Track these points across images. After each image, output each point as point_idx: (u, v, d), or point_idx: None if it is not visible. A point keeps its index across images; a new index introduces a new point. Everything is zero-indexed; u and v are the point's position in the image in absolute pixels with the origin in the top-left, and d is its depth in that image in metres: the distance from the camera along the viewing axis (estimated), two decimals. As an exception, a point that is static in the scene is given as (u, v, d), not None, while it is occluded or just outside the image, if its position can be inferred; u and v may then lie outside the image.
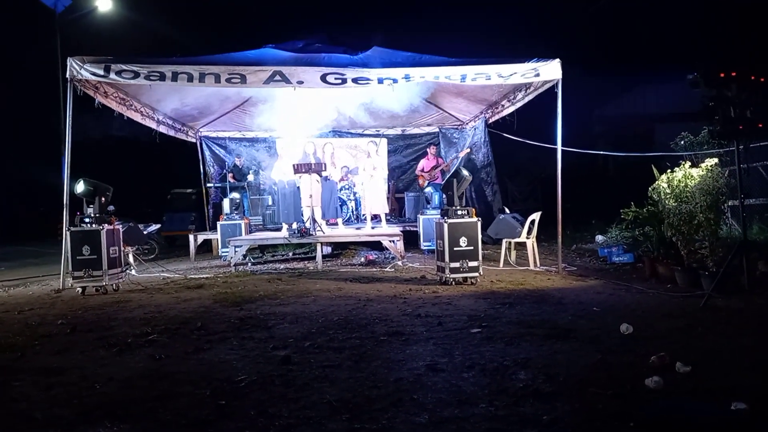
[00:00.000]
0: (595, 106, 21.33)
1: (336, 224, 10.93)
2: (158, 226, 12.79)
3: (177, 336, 4.63)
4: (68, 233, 7.05)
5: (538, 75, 7.68)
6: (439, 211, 8.09)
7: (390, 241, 9.19)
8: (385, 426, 2.71)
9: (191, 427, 2.79)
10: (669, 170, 6.71)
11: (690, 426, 2.64)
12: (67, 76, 7.38)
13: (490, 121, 11.72)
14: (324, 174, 10.44)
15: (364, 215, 11.02)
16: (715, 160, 6.40)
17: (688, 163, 6.58)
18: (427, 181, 11.60)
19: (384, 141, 13.40)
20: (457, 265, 6.77)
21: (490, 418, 2.77)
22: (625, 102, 20.35)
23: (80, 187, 7.09)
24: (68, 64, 7.35)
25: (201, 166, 13.45)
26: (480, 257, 6.88)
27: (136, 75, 7.40)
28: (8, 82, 16.96)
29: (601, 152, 11.35)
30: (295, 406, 2.98)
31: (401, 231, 9.79)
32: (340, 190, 11.93)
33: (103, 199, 7.19)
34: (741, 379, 3.18)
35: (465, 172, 7.07)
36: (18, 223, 18.34)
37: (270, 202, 12.47)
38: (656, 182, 6.81)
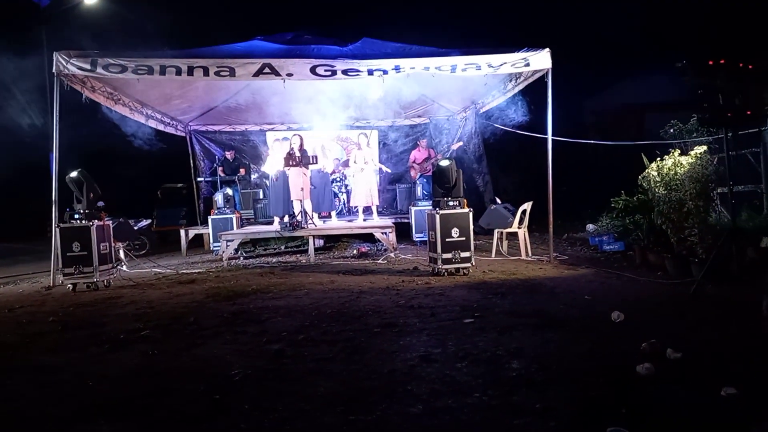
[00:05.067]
0: (586, 96, 21.34)
1: (328, 217, 10.92)
2: (149, 221, 12.73)
3: (170, 332, 4.62)
4: (58, 230, 7.00)
5: (528, 65, 7.68)
6: (431, 202, 8.10)
7: (382, 233, 9.20)
8: (380, 417, 2.73)
9: (186, 422, 2.79)
10: (659, 158, 6.75)
11: (681, 412, 2.67)
12: (54, 70, 7.30)
13: (481, 111, 11.72)
14: (317, 167, 10.43)
15: (355, 208, 11.01)
16: (704, 147, 6.43)
17: (678, 151, 6.61)
18: (419, 173, 11.60)
19: (375, 133, 13.38)
20: (449, 255, 6.79)
21: (484, 407, 2.79)
22: (616, 91, 20.37)
23: (73, 174, 7.06)
24: (54, 58, 7.27)
25: (191, 161, 13.37)
26: (472, 248, 6.90)
27: (124, 69, 7.33)
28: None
29: (591, 141, 11.38)
30: (290, 400, 2.99)
31: (393, 223, 9.80)
32: (332, 182, 11.91)
33: (92, 194, 7.13)
34: (731, 365, 3.21)
35: (444, 162, 7.04)
36: (6, 220, 18.17)
37: (261, 196, 12.45)
38: (646, 170, 6.85)
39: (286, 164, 9.57)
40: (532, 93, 9.04)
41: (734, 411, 2.63)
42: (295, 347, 3.98)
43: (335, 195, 12.12)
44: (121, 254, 8.75)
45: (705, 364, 3.26)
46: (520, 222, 8.44)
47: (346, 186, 12.31)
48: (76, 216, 7.01)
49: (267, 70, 7.49)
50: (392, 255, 8.86)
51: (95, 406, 3.02)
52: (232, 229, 10.37)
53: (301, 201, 9.65)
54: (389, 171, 12.83)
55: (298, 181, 9.60)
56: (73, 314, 5.55)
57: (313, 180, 10.52)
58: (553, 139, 7.96)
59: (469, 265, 6.87)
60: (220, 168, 12.19)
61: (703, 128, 7.23)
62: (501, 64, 7.68)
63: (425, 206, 10.01)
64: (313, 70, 7.54)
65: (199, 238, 11.61)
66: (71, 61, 7.23)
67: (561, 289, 5.73)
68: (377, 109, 12.29)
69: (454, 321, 4.54)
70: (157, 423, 2.81)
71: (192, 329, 4.65)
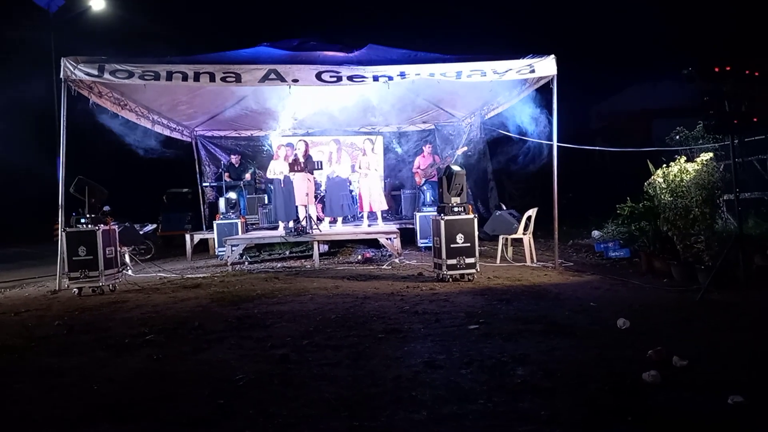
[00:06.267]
0: (592, 102, 21.34)
1: (334, 222, 10.94)
2: (154, 226, 12.77)
3: (175, 336, 4.63)
4: (64, 234, 7.03)
5: (533, 71, 7.68)
6: (436, 208, 8.09)
7: (387, 238, 9.20)
8: (385, 423, 2.72)
9: (191, 426, 2.79)
10: (664, 165, 6.73)
11: (688, 420, 2.65)
12: (61, 76, 7.35)
13: (486, 117, 11.71)
14: (328, 172, 10.49)
15: (361, 213, 11.02)
16: (711, 154, 6.42)
17: (684, 158, 6.59)
18: (423, 179, 11.60)
19: (380, 138, 13.40)
20: (453, 261, 6.77)
21: (489, 414, 2.78)
22: (622, 97, 20.37)
23: (74, 183, 7.11)
24: (62, 64, 7.32)
25: (197, 166, 13.42)
26: (477, 254, 6.89)
27: (131, 75, 7.37)
28: (5, 83, 16.93)
29: (597, 148, 11.38)
30: (294, 405, 2.98)
31: (398, 228, 9.80)
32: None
33: (93, 199, 7.17)
34: (738, 373, 3.19)
35: (456, 168, 7.08)
36: (13, 224, 18.28)
37: (266, 201, 12.47)
38: (652, 177, 6.83)
39: (291, 170, 9.62)
40: (538, 99, 9.04)
41: (741, 419, 2.61)
42: (300, 352, 3.98)
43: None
44: (127, 259, 8.77)
45: (711, 371, 3.24)
46: (525, 228, 8.43)
47: (351, 191, 12.33)
48: (83, 220, 7.04)
49: (273, 76, 7.51)
50: (397, 261, 8.85)
51: (100, 409, 3.03)
52: (237, 234, 10.39)
53: (305, 206, 9.67)
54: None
55: (303, 186, 9.63)
56: (79, 318, 5.57)
57: (338, 186, 10.58)
58: (558, 146, 7.95)
59: (473, 271, 6.86)
60: (226, 173, 12.23)
61: (709, 135, 7.23)
62: (506, 71, 7.67)
63: (430, 212, 10.00)
64: (318, 76, 7.56)
65: (204, 243, 11.63)
66: (79, 66, 7.28)
67: (566, 296, 5.71)
68: (382, 114, 12.33)
69: (458, 327, 4.53)
70: (161, 426, 2.81)
71: (197, 334, 4.66)
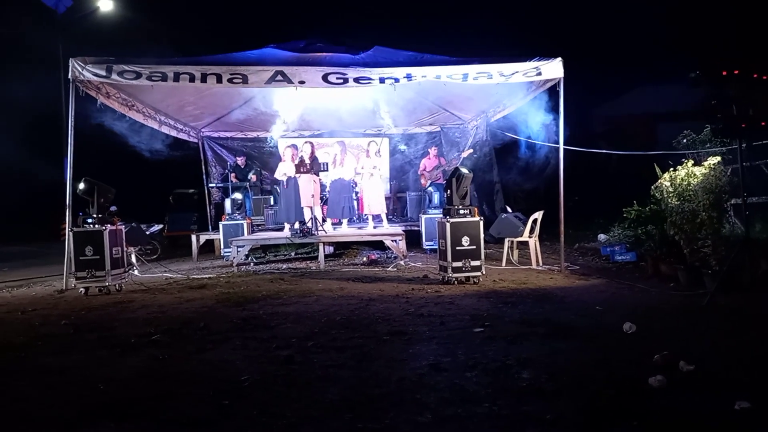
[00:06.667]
0: (597, 104, 21.28)
1: (339, 224, 10.95)
2: (161, 226, 12.82)
3: (179, 336, 4.64)
4: (71, 234, 7.07)
5: (539, 74, 7.66)
6: (441, 210, 8.08)
7: (392, 240, 9.19)
8: (389, 425, 2.71)
9: (194, 426, 2.79)
10: (671, 169, 6.70)
11: (693, 424, 2.63)
12: (70, 76, 7.39)
13: (492, 119, 11.71)
14: (333, 174, 10.50)
15: (365, 215, 11.03)
16: (718, 158, 6.38)
17: (691, 162, 6.56)
18: (429, 181, 11.60)
19: (386, 140, 13.41)
20: (459, 264, 6.76)
21: (493, 417, 2.77)
22: (628, 100, 20.29)
23: (80, 185, 7.15)
24: (70, 64, 7.36)
25: (203, 166, 13.48)
26: (482, 256, 6.87)
27: (138, 75, 7.41)
28: (11, 83, 17.02)
29: (603, 151, 11.33)
30: (298, 406, 2.98)
31: (403, 230, 9.79)
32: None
33: (102, 199, 7.20)
34: (744, 378, 3.17)
35: (464, 170, 7.07)
36: (20, 224, 18.38)
37: (272, 202, 12.50)
38: (659, 181, 6.80)
39: (297, 171, 9.64)
40: (544, 101, 9.02)
41: (748, 425, 2.59)
42: (305, 353, 3.98)
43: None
44: (133, 259, 8.80)
45: (718, 376, 3.22)
46: (531, 231, 8.41)
47: (356, 193, 12.34)
48: (89, 220, 7.08)
49: (279, 77, 7.53)
50: (402, 263, 8.84)
51: (103, 408, 3.03)
52: (242, 235, 10.42)
53: (311, 208, 9.68)
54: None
55: (309, 188, 9.65)
56: (85, 317, 5.59)
57: (341, 187, 10.58)
58: (564, 148, 7.93)
59: (479, 273, 6.84)
60: (232, 174, 12.26)
61: (716, 139, 7.19)
62: (512, 73, 7.66)
63: (435, 214, 9.99)
64: (325, 77, 7.57)
65: (209, 243, 11.67)
66: (87, 67, 7.32)
67: (572, 299, 5.69)
68: (390, 116, 12.34)
69: (463, 330, 4.52)
70: (164, 426, 2.81)
71: (202, 334, 4.66)
